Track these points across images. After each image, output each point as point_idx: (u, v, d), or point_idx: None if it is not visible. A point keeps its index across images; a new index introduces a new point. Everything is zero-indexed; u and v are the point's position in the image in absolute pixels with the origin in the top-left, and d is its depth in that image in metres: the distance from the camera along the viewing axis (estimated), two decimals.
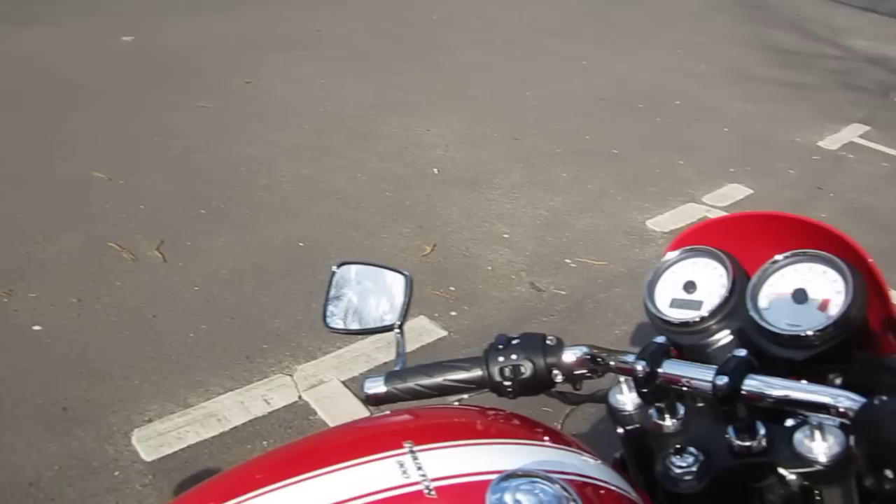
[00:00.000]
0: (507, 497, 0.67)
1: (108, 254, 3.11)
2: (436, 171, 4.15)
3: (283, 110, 4.78)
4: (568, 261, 3.40)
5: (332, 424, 2.32)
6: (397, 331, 1.10)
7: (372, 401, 0.99)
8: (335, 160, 4.15)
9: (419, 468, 0.75)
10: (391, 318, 1.10)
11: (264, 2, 7.31)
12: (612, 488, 0.79)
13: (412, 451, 0.78)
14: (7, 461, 2.13)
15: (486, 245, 3.45)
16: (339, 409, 2.39)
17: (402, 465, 0.76)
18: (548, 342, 0.91)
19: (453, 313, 2.94)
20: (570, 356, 0.90)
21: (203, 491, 0.85)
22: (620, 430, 0.87)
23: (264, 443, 2.26)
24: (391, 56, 6.12)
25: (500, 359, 0.92)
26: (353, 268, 1.17)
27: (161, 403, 2.37)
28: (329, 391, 2.48)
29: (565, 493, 0.68)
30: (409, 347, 2.75)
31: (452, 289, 3.09)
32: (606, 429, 0.94)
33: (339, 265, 1.17)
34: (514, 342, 0.93)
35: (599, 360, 0.88)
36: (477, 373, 0.94)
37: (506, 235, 3.55)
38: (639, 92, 5.80)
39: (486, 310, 2.99)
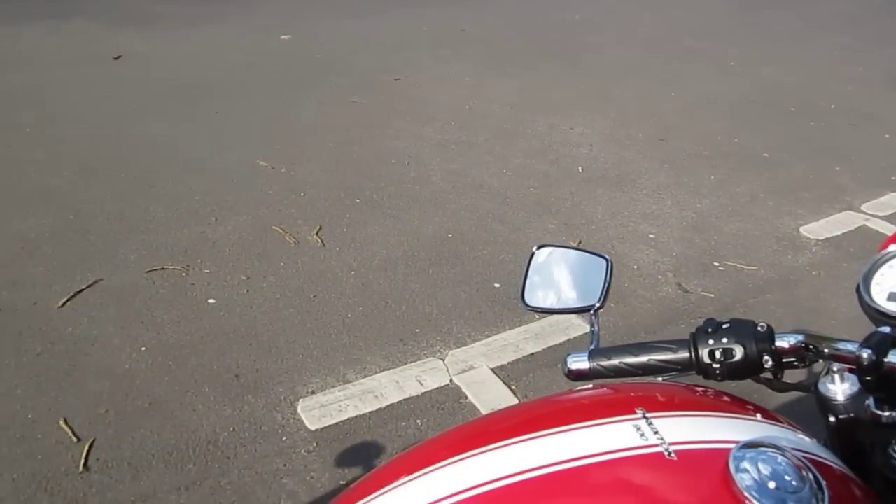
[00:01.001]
0: (749, 464, 0.70)
1: (273, 237, 3.32)
2: (580, 169, 4.17)
3: (429, 107, 4.93)
4: (716, 264, 3.34)
5: (482, 409, 2.41)
6: (594, 312, 1.14)
7: (573, 376, 1.03)
8: (481, 156, 4.25)
9: (656, 432, 0.79)
10: (590, 299, 1.15)
11: (411, 3, 7.55)
12: (835, 466, 0.81)
13: (646, 417, 0.82)
14: (189, 419, 2.33)
15: (632, 244, 3.44)
16: (489, 395, 2.47)
17: (638, 429, 0.80)
18: (759, 328, 0.92)
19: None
20: (783, 342, 0.91)
21: (436, 444, 0.92)
22: (832, 419, 0.88)
23: (418, 421, 2.36)
24: (535, 55, 6.17)
25: (711, 342, 0.93)
26: (553, 250, 1.23)
27: (323, 377, 2.53)
28: (479, 377, 2.56)
29: (802, 465, 0.71)
30: (555, 341, 2.80)
31: None
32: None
33: (539, 247, 1.23)
34: (725, 326, 0.95)
35: (814, 347, 0.88)
36: (684, 354, 0.96)
37: (651, 236, 3.53)
38: (790, 95, 5.58)
39: (632, 308, 2.99)
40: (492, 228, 3.50)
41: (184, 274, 3.04)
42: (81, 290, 2.89)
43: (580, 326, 2.82)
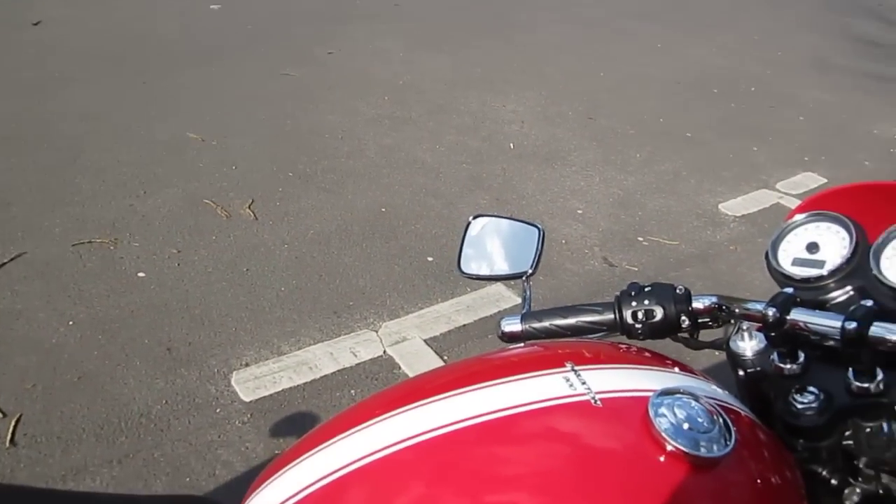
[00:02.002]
0: (666, 409, 0.78)
1: (204, 210, 3.29)
2: (511, 146, 4.24)
3: (363, 81, 4.92)
4: (640, 239, 3.47)
5: None
6: (526, 279, 1.21)
7: (507, 338, 1.10)
8: (415, 131, 4.28)
9: (583, 383, 0.86)
10: (522, 266, 1.21)
11: None
12: (742, 412, 0.89)
13: (574, 370, 0.88)
14: (120, 393, 2.32)
15: (561, 219, 3.54)
16: (422, 365, 2.53)
17: (567, 380, 0.87)
18: (677, 290, 1.00)
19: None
20: (699, 304, 0.99)
21: (372, 403, 0.96)
22: (741, 373, 0.96)
23: (352, 391, 2.41)
24: (469, 32, 6.20)
25: (634, 303, 1.01)
26: (488, 220, 1.28)
27: (257, 350, 2.54)
28: (412, 348, 2.61)
29: (713, 409, 0.79)
30: (486, 312, 2.87)
31: None
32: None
33: (475, 217, 1.28)
34: (647, 289, 1.03)
35: (726, 308, 0.97)
36: (609, 316, 1.03)
37: (579, 211, 3.63)
38: (714, 77, 5.77)
39: (560, 281, 3.08)
40: (425, 203, 3.55)
41: (112, 247, 2.99)
42: (4, 264, 2.82)
43: (510, 299, 2.90)
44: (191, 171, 3.60)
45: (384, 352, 2.59)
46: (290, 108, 4.40)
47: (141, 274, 2.86)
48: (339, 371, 2.48)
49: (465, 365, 1.07)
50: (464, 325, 2.74)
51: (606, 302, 1.08)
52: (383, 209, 3.46)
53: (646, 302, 1.02)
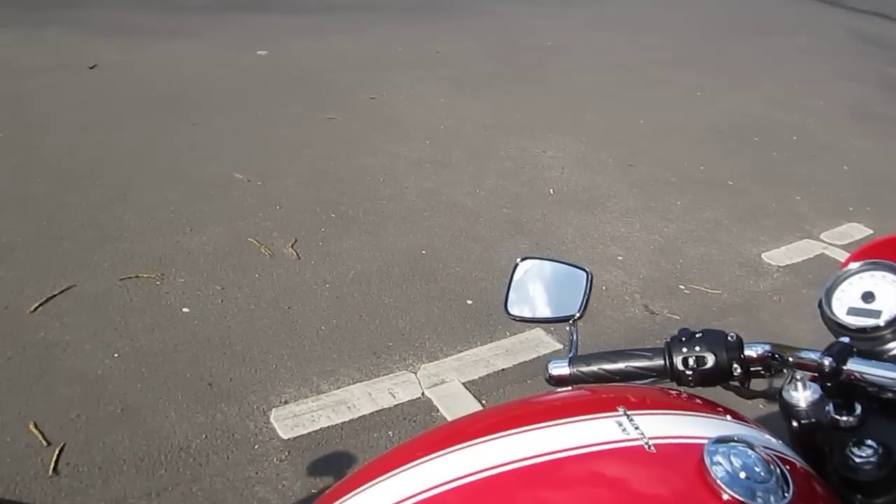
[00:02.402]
0: (721, 458, 0.77)
1: (248, 248, 3.35)
2: (551, 191, 4.26)
3: (405, 126, 5.00)
4: (682, 287, 3.43)
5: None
6: (573, 322, 1.21)
7: (554, 381, 1.08)
8: (455, 175, 4.32)
9: (636, 427, 0.85)
10: (570, 309, 1.21)
11: (386, 24, 7.65)
12: (798, 464, 0.88)
13: (626, 414, 0.87)
14: (161, 426, 2.34)
15: (601, 266, 3.52)
16: (460, 408, 2.51)
17: (620, 424, 0.85)
18: (729, 338, 0.99)
19: (567, 327, 3.02)
20: (751, 352, 0.97)
21: (413, 445, 0.96)
22: (794, 424, 0.94)
23: (390, 432, 2.40)
24: (508, 79, 6.29)
25: (684, 349, 1.00)
26: (535, 262, 1.29)
27: (296, 387, 2.56)
28: (450, 391, 2.60)
29: (770, 459, 0.78)
30: (525, 357, 2.85)
31: None
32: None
33: (523, 259, 1.29)
34: (698, 336, 1.01)
35: (779, 357, 0.95)
36: (659, 362, 1.02)
37: (620, 258, 3.62)
38: (754, 125, 5.75)
39: (600, 328, 3.06)
40: (465, 246, 3.56)
41: (158, 283, 3.05)
42: (54, 296, 2.89)
43: (549, 344, 2.88)
44: (236, 209, 3.67)
45: (422, 394, 2.58)
46: (333, 151, 4.48)
47: (185, 309, 2.90)
48: (377, 412, 2.48)
49: (510, 407, 1.06)
50: (503, 370, 2.73)
51: (656, 347, 1.07)
52: (423, 251, 3.48)
53: (697, 348, 1.00)
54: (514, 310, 1.27)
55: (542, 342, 2.89)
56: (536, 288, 1.29)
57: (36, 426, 2.28)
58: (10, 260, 3.09)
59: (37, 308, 2.81)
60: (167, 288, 3.02)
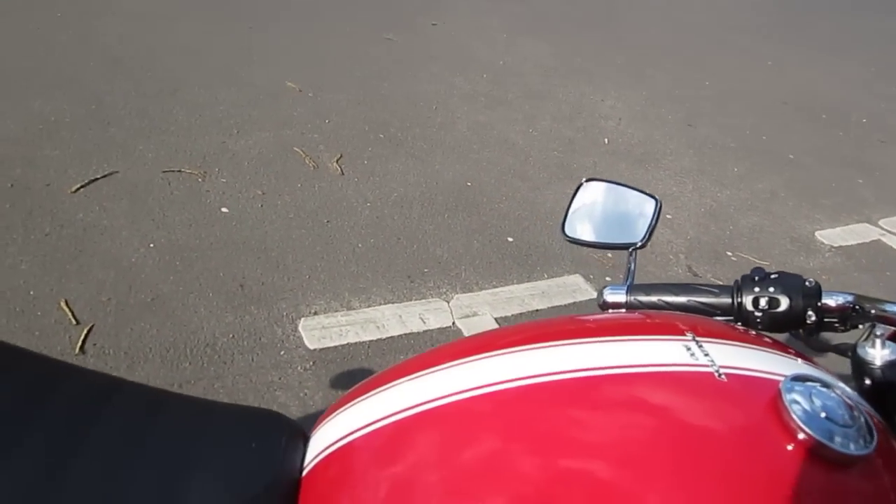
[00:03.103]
0: (799, 396, 0.70)
1: (293, 157, 3.29)
2: (606, 140, 4.13)
3: (463, 57, 4.86)
4: (729, 253, 3.32)
5: None
6: (634, 251, 1.13)
7: (607, 308, 1.02)
8: (509, 112, 4.21)
9: (706, 354, 0.77)
10: (632, 237, 1.13)
11: None
12: (877, 418, 0.80)
13: (695, 340, 0.80)
14: (190, 320, 2.33)
15: None
16: None
17: (688, 349, 0.78)
18: (807, 283, 0.92)
19: (608, 278, 2.95)
20: (830, 301, 0.90)
21: (456, 346, 0.90)
22: (867, 382, 0.87)
23: None
24: (574, 23, 6.08)
25: (757, 289, 0.93)
26: (601, 185, 1.21)
27: (327, 300, 2.52)
28: (481, 323, 2.55)
29: (853, 405, 0.70)
30: (561, 301, 2.77)
31: (610, 255, 3.09)
32: None
33: (588, 180, 1.21)
34: (773, 276, 0.94)
35: (860, 308, 0.88)
36: (726, 300, 0.95)
37: (668, 216, 3.51)
38: (824, 102, 5.52)
39: (640, 282, 2.97)
40: (511, 184, 3.47)
41: (200, 179, 3.01)
42: (96, 179, 2.87)
43: (587, 291, 2.81)
44: (285, 118, 3.61)
45: (453, 322, 2.53)
46: (388, 72, 4.38)
47: (224, 209, 2.87)
48: (405, 334, 2.44)
49: (563, 320, 0.98)
50: (537, 310, 2.66)
51: (724, 285, 1.01)
52: (469, 183, 3.40)
53: (771, 289, 0.94)
54: (572, 231, 1.20)
55: (580, 289, 2.82)
56: (598, 211, 1.22)
57: (67, 304, 2.27)
58: (56, 139, 3.07)
59: (78, 189, 2.79)
60: (208, 186, 2.98)
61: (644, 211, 1.17)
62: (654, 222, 1.15)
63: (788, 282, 0.94)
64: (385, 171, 3.34)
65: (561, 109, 4.38)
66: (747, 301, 0.94)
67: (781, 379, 0.72)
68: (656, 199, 1.16)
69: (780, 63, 6.22)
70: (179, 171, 3.03)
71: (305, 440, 0.88)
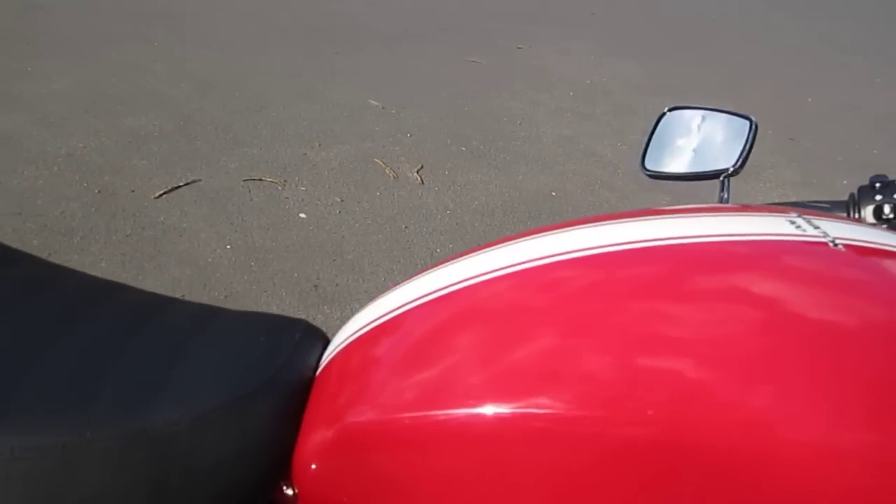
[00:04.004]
0: None
1: (373, 168, 3.25)
2: None
3: (549, 77, 4.78)
4: None
5: None
6: (726, 177, 0.99)
7: None
8: (597, 127, 4.07)
9: (816, 227, 0.66)
10: (724, 163, 1.00)
11: None
12: None
13: (803, 216, 0.68)
14: None
15: None
16: None
17: (794, 223, 0.67)
18: None
19: None
20: None
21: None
22: None
23: None
24: (666, 45, 5.93)
25: (878, 197, 0.80)
26: (686, 113, 1.08)
27: None
28: None
29: None
30: None
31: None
32: None
33: (670, 109, 1.08)
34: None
35: None
36: (840, 214, 0.83)
37: None
38: None
39: None
40: (599, 193, 3.32)
41: (279, 187, 3.00)
42: (179, 187, 2.89)
43: None
44: (366, 132, 3.59)
45: None
46: (472, 92, 4.33)
47: (302, 215, 2.83)
48: None
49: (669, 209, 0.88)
50: None
51: (837, 200, 0.87)
52: (553, 193, 3.27)
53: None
54: (654, 164, 1.07)
55: None
56: (683, 141, 1.08)
57: None
58: (144, 150, 3.13)
59: (161, 195, 2.82)
60: (287, 193, 2.96)
61: (737, 134, 1.03)
62: (748, 145, 1.01)
63: None
64: (466, 181, 3.26)
65: (652, 124, 4.21)
66: (867, 212, 0.81)
67: None
68: (751, 120, 1.02)
69: (890, 80, 5.85)
70: (260, 179, 3.03)
71: (327, 342, 0.79)
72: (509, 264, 0.68)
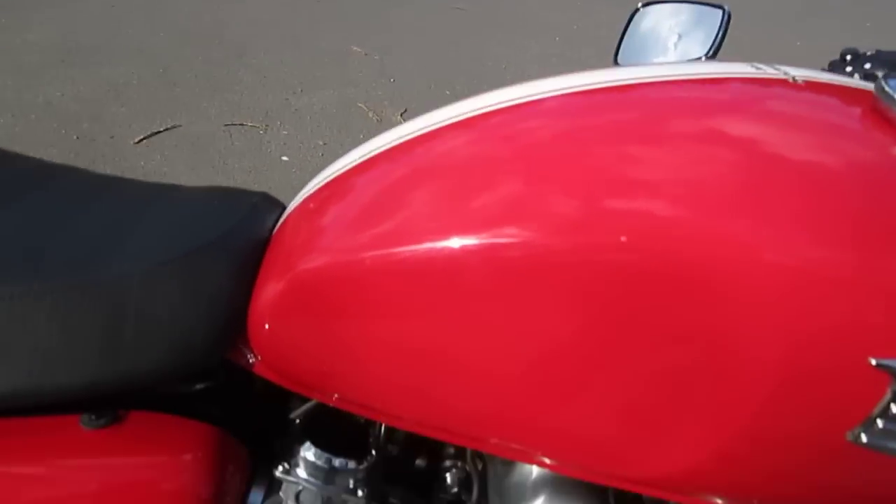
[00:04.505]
0: None
1: (356, 112, 3.21)
2: None
3: (535, 22, 4.71)
4: None
5: None
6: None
7: None
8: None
9: (777, 68, 0.65)
10: (696, 54, 0.98)
11: None
12: None
13: (757, 66, 0.67)
14: None
15: None
16: None
17: (755, 66, 0.66)
18: None
19: None
20: None
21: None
22: None
23: None
24: None
25: (848, 69, 0.79)
26: (659, 6, 1.06)
27: None
28: None
29: None
30: None
31: None
32: None
33: (644, 4, 1.07)
34: (869, 54, 0.80)
35: None
36: None
37: None
38: None
39: None
40: None
41: (261, 132, 2.96)
42: (159, 132, 2.85)
43: None
44: (349, 78, 3.54)
45: None
46: (457, 37, 4.27)
47: (285, 158, 2.80)
48: None
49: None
50: None
51: None
52: None
53: (868, 66, 0.78)
54: (625, 59, 1.07)
55: None
56: (656, 35, 1.07)
57: None
58: (122, 98, 3.08)
59: (141, 140, 2.78)
60: (270, 137, 2.93)
61: (709, 24, 1.01)
62: (720, 33, 1.00)
63: (889, 58, 0.77)
64: None
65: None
66: None
67: (872, 87, 0.57)
68: (723, 9, 1.00)
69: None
70: (241, 124, 2.99)
71: (285, 210, 0.78)
72: (473, 108, 0.67)
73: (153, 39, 3.69)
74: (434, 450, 0.79)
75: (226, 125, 2.96)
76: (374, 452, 0.74)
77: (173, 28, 3.87)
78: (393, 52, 3.92)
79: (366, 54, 3.84)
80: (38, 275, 0.60)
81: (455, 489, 0.76)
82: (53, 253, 0.63)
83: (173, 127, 2.90)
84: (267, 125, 3.01)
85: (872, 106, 0.57)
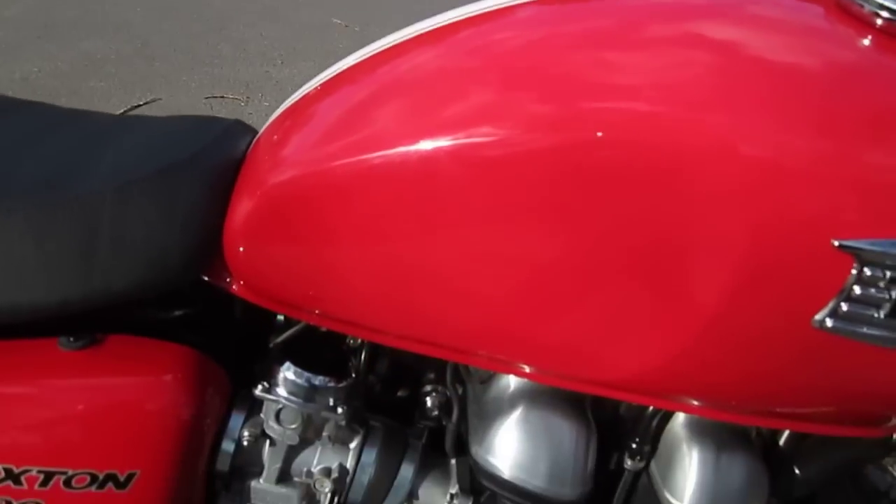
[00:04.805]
0: None
1: None
2: None
3: None
4: None
5: None
6: None
7: None
8: None
9: None
10: None
11: None
12: None
13: None
14: None
15: None
16: None
17: None
18: None
19: None
20: None
21: None
22: None
23: None
24: None
25: None
26: None
27: None
28: None
29: None
30: None
31: None
32: None
33: None
34: None
35: None
36: None
37: None
38: None
39: None
40: None
41: (242, 103, 2.95)
42: (139, 105, 2.84)
43: None
44: (330, 50, 3.51)
45: None
46: (439, 8, 4.23)
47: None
48: None
49: None
50: None
51: None
52: None
53: None
54: None
55: None
56: None
57: None
58: (101, 73, 3.05)
59: (121, 114, 2.76)
60: (251, 109, 2.91)
61: None
62: None
63: None
64: None
65: None
66: None
67: None
68: None
69: None
70: (222, 97, 2.97)
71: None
72: (442, 21, 0.66)
73: (131, 14, 3.65)
74: (415, 375, 0.79)
75: (206, 98, 2.94)
76: (353, 375, 0.74)
77: (152, 2, 3.83)
78: (373, 23, 3.89)
79: (346, 26, 3.82)
80: (9, 193, 0.60)
81: (435, 412, 0.77)
82: (24, 173, 0.63)
83: (153, 100, 2.88)
84: (248, 97, 2.99)
85: (836, 1, 0.58)
